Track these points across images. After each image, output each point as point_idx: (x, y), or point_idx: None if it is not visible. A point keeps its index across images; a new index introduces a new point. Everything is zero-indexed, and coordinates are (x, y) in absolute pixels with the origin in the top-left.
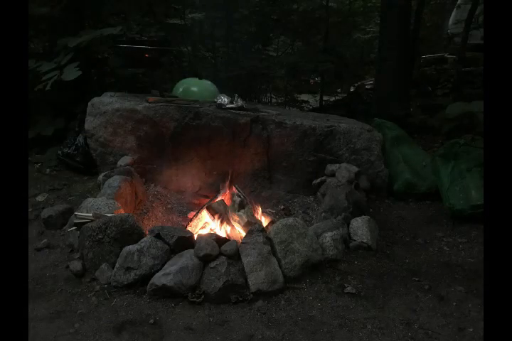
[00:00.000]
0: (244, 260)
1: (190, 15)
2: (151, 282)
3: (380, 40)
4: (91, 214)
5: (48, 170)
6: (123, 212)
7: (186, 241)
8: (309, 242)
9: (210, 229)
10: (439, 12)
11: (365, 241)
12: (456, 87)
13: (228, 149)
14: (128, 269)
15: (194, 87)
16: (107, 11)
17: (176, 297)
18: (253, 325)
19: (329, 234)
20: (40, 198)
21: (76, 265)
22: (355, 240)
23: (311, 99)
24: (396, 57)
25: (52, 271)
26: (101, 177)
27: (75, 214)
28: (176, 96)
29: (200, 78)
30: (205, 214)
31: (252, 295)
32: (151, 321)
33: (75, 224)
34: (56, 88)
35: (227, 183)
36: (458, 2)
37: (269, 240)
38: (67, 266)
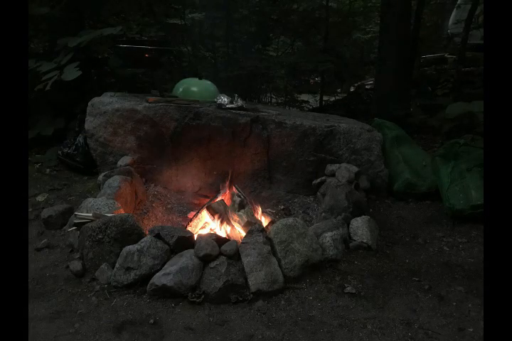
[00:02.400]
0: (244, 260)
1: (190, 15)
2: (151, 282)
3: (380, 40)
4: (91, 214)
5: (47, 170)
6: (123, 212)
7: (186, 241)
8: (309, 242)
9: (210, 229)
10: (439, 12)
11: (365, 241)
12: (456, 87)
13: (228, 149)
14: (128, 269)
15: (194, 87)
16: (107, 11)
17: (176, 297)
18: (253, 325)
19: (329, 234)
20: (40, 198)
21: (76, 265)
22: (355, 240)
23: (311, 99)
24: (396, 57)
25: (52, 271)
26: (101, 177)
27: (75, 214)
28: (176, 96)
29: (200, 78)
30: (205, 214)
31: (252, 295)
32: (151, 321)
33: (75, 224)
34: (56, 88)
35: (227, 183)
36: (458, 2)
37: (269, 240)
38: (67, 266)
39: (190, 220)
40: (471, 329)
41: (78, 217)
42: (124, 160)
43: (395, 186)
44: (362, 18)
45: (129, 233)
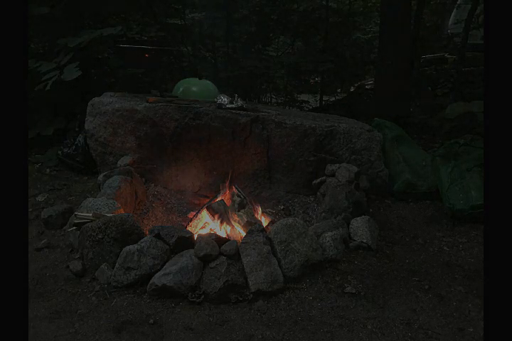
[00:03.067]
0: (244, 260)
1: (190, 15)
2: (151, 282)
3: (380, 40)
4: (91, 214)
5: (48, 170)
6: (123, 212)
7: (186, 241)
8: (309, 242)
9: (210, 229)
10: (439, 12)
11: (365, 241)
12: (456, 87)
13: (228, 149)
14: (128, 269)
15: (194, 87)
16: (106, 11)
17: (176, 297)
18: (253, 325)
19: (329, 234)
20: (40, 198)
21: (76, 265)
22: (355, 240)
23: (311, 99)
24: (396, 57)
25: (52, 271)
26: (101, 177)
27: (75, 214)
28: (176, 96)
29: (200, 78)
30: (205, 214)
31: (252, 295)
32: (151, 321)
33: (75, 224)
34: (56, 88)
35: (227, 183)
36: (458, 2)
37: (269, 240)
38: (67, 266)
39: (190, 220)
40: (471, 329)
41: (78, 217)
42: (124, 160)
43: (395, 186)
44: (362, 18)
45: (129, 233)
